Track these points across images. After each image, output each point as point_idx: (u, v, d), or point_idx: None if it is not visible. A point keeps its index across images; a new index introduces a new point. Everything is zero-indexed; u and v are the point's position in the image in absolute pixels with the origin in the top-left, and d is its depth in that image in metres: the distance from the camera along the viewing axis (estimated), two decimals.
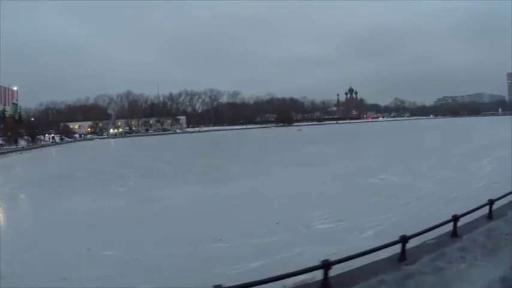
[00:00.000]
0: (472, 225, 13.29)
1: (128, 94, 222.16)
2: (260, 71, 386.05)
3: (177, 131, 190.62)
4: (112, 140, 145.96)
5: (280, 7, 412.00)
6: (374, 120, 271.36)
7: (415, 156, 43.51)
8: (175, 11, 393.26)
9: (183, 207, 22.33)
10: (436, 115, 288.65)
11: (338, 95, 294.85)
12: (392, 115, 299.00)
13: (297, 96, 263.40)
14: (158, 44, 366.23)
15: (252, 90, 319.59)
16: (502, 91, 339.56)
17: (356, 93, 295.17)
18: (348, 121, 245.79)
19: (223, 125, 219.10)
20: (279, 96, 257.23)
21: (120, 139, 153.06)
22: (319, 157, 47.43)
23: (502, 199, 15.49)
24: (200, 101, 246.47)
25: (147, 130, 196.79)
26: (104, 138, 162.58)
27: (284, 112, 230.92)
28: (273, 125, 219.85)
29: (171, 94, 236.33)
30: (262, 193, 25.46)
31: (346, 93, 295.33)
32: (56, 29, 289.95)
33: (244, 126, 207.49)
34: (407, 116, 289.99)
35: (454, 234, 12.47)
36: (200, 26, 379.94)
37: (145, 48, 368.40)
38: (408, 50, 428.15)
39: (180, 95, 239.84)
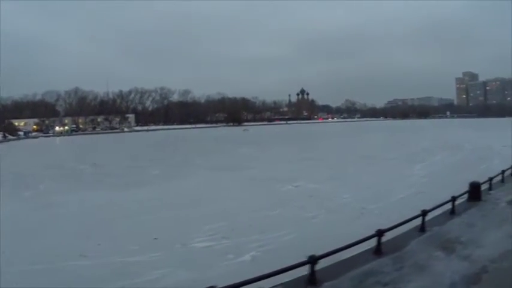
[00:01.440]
0: (349, 264, 10.18)
1: (76, 90, 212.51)
2: (213, 71, 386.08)
3: (125, 129, 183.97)
4: (57, 138, 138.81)
5: (236, 8, 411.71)
6: (324, 121, 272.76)
7: (349, 159, 41.83)
8: (130, 9, 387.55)
9: (72, 216, 20.26)
10: (386, 117, 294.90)
11: (290, 95, 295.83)
12: (342, 116, 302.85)
13: (249, 96, 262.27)
14: (111, 41, 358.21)
15: (204, 90, 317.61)
16: (451, 95, 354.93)
17: (307, 94, 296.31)
18: (298, 122, 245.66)
19: (173, 124, 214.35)
20: (231, 95, 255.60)
21: (66, 137, 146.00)
22: (248, 160, 44.71)
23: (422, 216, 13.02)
24: (150, 99, 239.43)
25: (94, 128, 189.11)
26: (49, 136, 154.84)
27: (234, 112, 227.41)
28: (223, 124, 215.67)
29: (121, 91, 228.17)
30: (164, 201, 23.33)
31: (298, 94, 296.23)
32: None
33: (193, 126, 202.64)
34: (358, 118, 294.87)
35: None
36: (154, 24, 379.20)
37: (98, 45, 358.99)
38: (361, 54, 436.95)
39: (130, 92, 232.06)
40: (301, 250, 9.85)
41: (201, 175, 34.36)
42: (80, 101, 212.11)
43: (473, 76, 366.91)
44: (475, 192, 16.11)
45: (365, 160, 40.23)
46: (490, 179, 18.55)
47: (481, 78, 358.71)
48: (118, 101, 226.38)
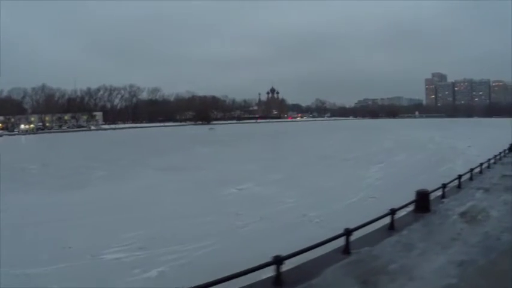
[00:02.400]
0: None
1: (44, 88, 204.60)
2: (184, 69, 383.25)
3: (92, 128, 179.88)
4: (23, 137, 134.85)
5: (208, 7, 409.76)
6: (293, 120, 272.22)
7: (307, 160, 39.94)
8: (101, 7, 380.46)
9: None
10: (356, 116, 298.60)
11: (260, 94, 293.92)
12: (312, 115, 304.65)
13: (219, 95, 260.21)
14: (80, 38, 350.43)
15: (174, 88, 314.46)
16: (420, 95, 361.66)
17: (278, 93, 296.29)
18: (268, 120, 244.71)
19: (142, 122, 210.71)
20: (201, 94, 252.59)
21: (31, 136, 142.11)
22: (203, 160, 42.69)
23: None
24: (119, 96, 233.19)
25: (60, 126, 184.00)
26: (14, 134, 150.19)
27: (203, 110, 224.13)
28: (191, 123, 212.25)
29: (89, 89, 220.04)
30: (96, 205, 21.58)
31: (268, 93, 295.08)
32: None
33: (162, 124, 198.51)
34: (328, 117, 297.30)
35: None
36: (125, 22, 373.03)
37: (66, 42, 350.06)
38: (332, 54, 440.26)
39: (98, 90, 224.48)
40: (213, 267, 9.93)
41: (147, 176, 32.47)
42: (47, 98, 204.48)
43: (442, 77, 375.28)
44: (422, 201, 13.79)
45: (323, 160, 38.36)
46: (444, 186, 16.35)
47: (450, 79, 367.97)
48: (86, 98, 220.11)
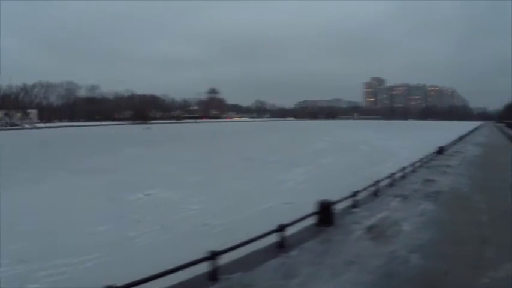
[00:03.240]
0: None
1: None
2: (126, 68, 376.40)
3: (26, 126, 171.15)
4: None
5: (149, 6, 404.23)
6: (231, 120, 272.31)
7: (231, 161, 37.82)
8: (43, 3, 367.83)
9: None
10: (295, 117, 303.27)
11: (200, 94, 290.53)
12: (252, 116, 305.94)
13: (160, 94, 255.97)
14: (21, 35, 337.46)
15: (115, 86, 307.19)
16: (359, 98, 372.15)
17: (218, 93, 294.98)
18: (206, 120, 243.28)
19: (79, 121, 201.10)
20: (141, 93, 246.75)
21: None
22: (123, 162, 39.95)
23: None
24: (56, 93, 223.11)
25: None
26: None
27: (141, 109, 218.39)
28: (129, 122, 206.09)
29: (24, 85, 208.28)
30: None
31: (208, 93, 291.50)
32: None
33: (99, 123, 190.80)
34: (267, 117, 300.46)
35: None
36: (65, 19, 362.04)
37: (5, 38, 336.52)
38: (273, 56, 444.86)
39: (34, 86, 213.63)
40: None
41: (56, 180, 29.44)
42: None
43: (381, 81, 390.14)
44: (325, 213, 11.85)
45: (248, 162, 36.35)
46: (353, 194, 14.52)
47: (388, 83, 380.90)
48: (21, 95, 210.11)
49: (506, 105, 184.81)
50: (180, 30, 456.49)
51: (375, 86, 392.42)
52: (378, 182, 17.04)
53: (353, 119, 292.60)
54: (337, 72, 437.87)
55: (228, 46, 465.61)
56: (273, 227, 10.07)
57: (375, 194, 16.54)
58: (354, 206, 14.14)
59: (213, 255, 8.05)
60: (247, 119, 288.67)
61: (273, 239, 10.15)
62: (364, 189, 16.12)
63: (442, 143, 41.80)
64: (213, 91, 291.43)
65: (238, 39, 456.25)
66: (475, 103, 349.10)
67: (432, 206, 14.57)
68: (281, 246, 9.89)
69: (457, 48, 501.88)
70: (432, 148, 34.62)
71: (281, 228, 9.91)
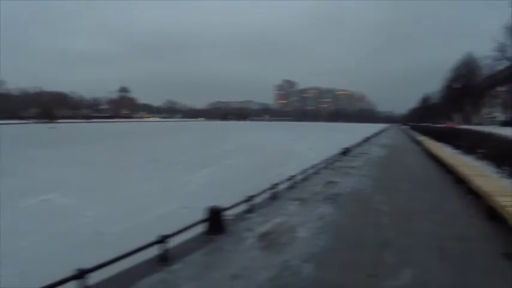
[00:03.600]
0: None
1: None
2: (34, 63, 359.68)
3: None
4: None
5: (66, 3, 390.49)
6: (141, 120, 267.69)
7: (133, 164, 35.93)
8: None
9: None
10: (206, 118, 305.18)
11: (110, 92, 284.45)
12: (163, 116, 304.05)
13: (68, 91, 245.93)
14: None
15: (23, 83, 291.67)
16: (270, 100, 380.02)
17: (129, 92, 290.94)
18: (116, 120, 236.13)
19: None
20: (48, 90, 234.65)
21: None
22: (22, 165, 35.92)
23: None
24: None
25: None
26: None
27: (48, 107, 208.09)
28: (34, 121, 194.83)
29: None
30: None
31: (119, 91, 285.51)
32: None
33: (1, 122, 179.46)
34: (179, 118, 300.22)
35: None
36: None
37: None
38: (185, 56, 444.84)
39: None
40: None
41: None
42: None
43: (293, 84, 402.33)
44: (216, 221, 10.91)
45: (151, 164, 34.76)
46: (249, 198, 13.64)
47: (300, 86, 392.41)
48: None
49: (411, 110, 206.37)
50: (93, 27, 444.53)
51: (287, 89, 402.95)
52: (277, 184, 16.34)
53: (264, 120, 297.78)
54: (249, 74, 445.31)
55: (141, 45, 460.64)
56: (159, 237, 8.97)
57: (273, 197, 15.72)
58: (249, 211, 13.23)
59: (81, 274, 6.86)
60: (157, 119, 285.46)
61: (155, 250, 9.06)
62: (263, 192, 15.32)
63: (349, 144, 42.38)
64: (123, 90, 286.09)
65: (152, 39, 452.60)
66: (383, 107, 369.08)
67: (331, 209, 13.93)
68: (163, 260, 8.82)
69: (367, 55, 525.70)
70: (339, 149, 34.66)
71: (163, 239, 8.85)
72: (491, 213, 12.29)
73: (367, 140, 58.08)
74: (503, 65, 77.16)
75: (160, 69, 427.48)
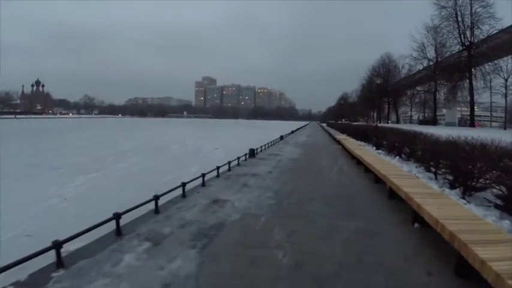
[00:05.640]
0: None
1: None
2: None
3: None
4: None
5: None
6: (53, 116, 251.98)
7: (9, 169, 29.40)
8: None
9: None
10: (124, 114, 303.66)
11: (23, 86, 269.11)
12: (79, 112, 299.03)
13: None
14: None
15: None
16: (190, 97, 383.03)
17: (43, 86, 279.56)
18: (28, 116, 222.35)
19: None
20: None
21: None
22: None
23: None
24: None
25: None
26: None
27: None
28: None
29: None
30: None
31: (33, 86, 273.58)
32: None
33: None
34: (96, 114, 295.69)
35: None
36: None
37: None
38: (103, 52, 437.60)
39: None
40: None
41: None
42: None
43: (212, 81, 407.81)
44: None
45: (29, 169, 29.78)
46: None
47: (219, 84, 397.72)
48: None
49: (329, 108, 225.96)
50: (8, 14, 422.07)
51: (206, 86, 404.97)
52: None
53: (182, 117, 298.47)
54: (171, 72, 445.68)
55: (59, 38, 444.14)
56: None
57: (117, 233, 9.73)
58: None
59: None
60: (72, 115, 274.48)
61: None
62: (106, 222, 10.16)
63: (263, 142, 39.82)
64: (37, 84, 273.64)
65: (70, 32, 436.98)
66: (301, 105, 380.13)
67: (194, 264, 7.92)
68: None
69: (287, 56, 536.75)
70: (249, 148, 30.75)
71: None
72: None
73: (282, 138, 55.10)
74: (423, 64, 78.55)
75: (80, 65, 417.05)
